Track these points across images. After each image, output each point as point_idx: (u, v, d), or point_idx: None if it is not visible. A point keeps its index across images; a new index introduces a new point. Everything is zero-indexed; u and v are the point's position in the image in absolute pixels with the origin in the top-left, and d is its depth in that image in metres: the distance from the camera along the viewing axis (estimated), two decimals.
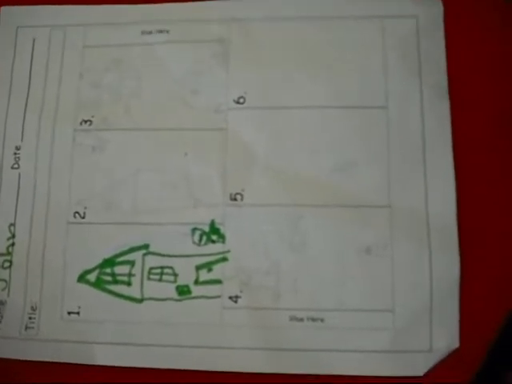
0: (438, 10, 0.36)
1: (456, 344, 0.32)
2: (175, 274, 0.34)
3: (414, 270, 0.33)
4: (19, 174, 0.36)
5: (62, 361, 0.34)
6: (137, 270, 0.34)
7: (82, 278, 0.34)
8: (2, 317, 0.34)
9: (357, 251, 0.33)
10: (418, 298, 0.33)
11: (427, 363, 0.32)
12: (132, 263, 0.34)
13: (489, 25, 0.36)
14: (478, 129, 0.35)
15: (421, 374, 0.32)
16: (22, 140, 0.36)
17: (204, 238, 0.34)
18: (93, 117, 0.36)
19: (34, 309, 0.34)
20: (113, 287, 0.34)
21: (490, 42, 0.36)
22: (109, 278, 0.34)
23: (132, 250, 0.34)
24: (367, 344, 0.32)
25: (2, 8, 0.38)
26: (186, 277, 0.34)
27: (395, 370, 0.32)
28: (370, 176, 0.34)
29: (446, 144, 0.34)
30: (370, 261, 0.33)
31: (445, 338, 0.32)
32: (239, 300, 0.33)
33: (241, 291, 0.33)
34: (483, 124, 0.35)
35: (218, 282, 0.34)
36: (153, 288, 0.34)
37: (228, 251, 0.34)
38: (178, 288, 0.34)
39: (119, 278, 0.34)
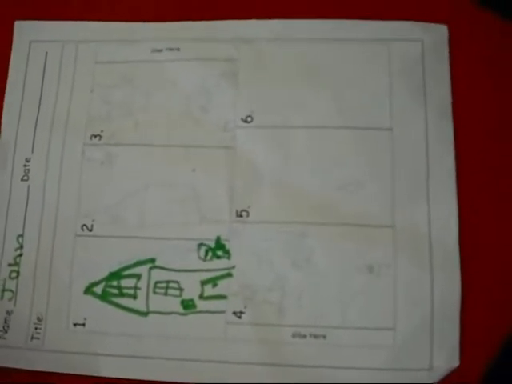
0: (443, 34, 0.37)
1: (456, 363, 0.32)
2: (180, 289, 0.34)
3: (415, 289, 0.33)
4: (28, 186, 0.37)
5: (66, 371, 0.34)
6: (143, 283, 0.35)
7: (88, 290, 0.35)
8: (8, 326, 0.35)
9: (360, 270, 0.34)
10: (418, 316, 0.33)
11: (427, 382, 0.32)
12: (138, 277, 0.35)
13: (493, 48, 0.37)
14: (480, 150, 0.35)
15: None
16: (32, 152, 0.37)
17: (209, 253, 0.35)
18: (102, 131, 0.37)
19: (40, 319, 0.35)
20: (119, 300, 0.35)
21: (493, 65, 0.36)
22: (115, 291, 0.35)
23: (138, 263, 0.35)
24: (368, 361, 0.33)
25: (16, 22, 0.39)
26: (191, 291, 0.34)
27: None
28: (374, 196, 0.35)
29: (449, 166, 0.35)
30: (372, 279, 0.34)
31: (445, 356, 0.33)
32: (243, 315, 0.34)
33: (245, 307, 0.34)
34: (486, 145, 0.35)
35: (223, 297, 0.34)
36: (158, 302, 0.34)
37: (233, 267, 0.34)
38: (183, 302, 0.34)
39: (125, 290, 0.35)
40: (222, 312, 0.34)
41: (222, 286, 0.34)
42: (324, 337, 0.33)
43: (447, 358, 0.33)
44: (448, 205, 0.34)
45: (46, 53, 0.38)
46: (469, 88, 0.36)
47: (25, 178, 0.37)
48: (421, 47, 0.36)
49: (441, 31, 0.37)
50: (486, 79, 0.36)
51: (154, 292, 0.35)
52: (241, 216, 0.35)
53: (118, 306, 0.35)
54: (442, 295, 0.33)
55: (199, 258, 0.35)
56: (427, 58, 0.36)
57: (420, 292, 0.33)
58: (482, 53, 0.37)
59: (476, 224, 0.34)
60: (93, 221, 0.36)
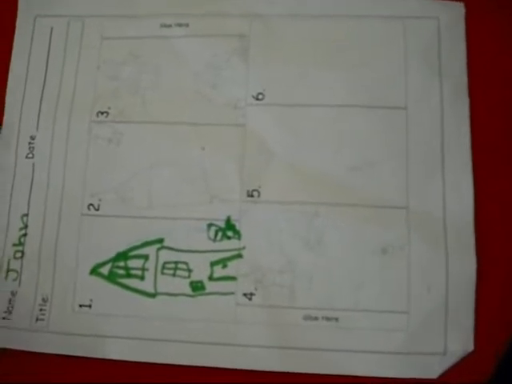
0: (460, 12, 0.36)
1: (471, 347, 0.32)
2: (189, 270, 0.34)
3: (429, 271, 0.33)
4: (33, 164, 0.36)
5: (72, 354, 0.33)
6: (150, 264, 0.34)
7: (94, 271, 0.34)
8: (12, 307, 0.34)
9: (373, 251, 0.33)
10: (433, 300, 0.32)
11: (441, 366, 0.32)
12: (146, 257, 0.34)
13: (510, 25, 0.36)
14: (497, 130, 0.35)
15: (435, 376, 0.32)
16: (37, 130, 0.36)
17: (219, 234, 0.34)
18: (109, 109, 0.36)
19: (45, 300, 0.34)
20: (126, 281, 0.34)
21: (510, 43, 0.36)
22: (122, 272, 0.34)
23: (146, 244, 0.34)
24: (381, 345, 0.32)
25: None
26: (200, 273, 0.34)
27: (409, 372, 0.32)
28: (388, 176, 0.34)
29: (464, 145, 0.34)
30: (385, 261, 0.33)
31: (459, 340, 0.32)
32: (253, 297, 0.33)
33: (255, 288, 0.33)
34: (502, 125, 0.35)
35: (233, 278, 0.33)
36: (166, 283, 0.34)
37: (243, 248, 0.34)
38: (191, 284, 0.34)
39: (132, 271, 0.34)
40: (232, 294, 0.33)
41: (232, 268, 0.33)
42: (336, 319, 0.33)
43: (462, 342, 0.32)
44: (463, 185, 0.34)
45: (52, 28, 0.37)
46: (485, 66, 0.35)
47: (29, 155, 0.36)
48: (437, 25, 0.36)
49: (458, 9, 0.36)
50: (503, 57, 0.35)
51: (162, 273, 0.34)
52: (252, 196, 0.34)
53: (124, 287, 0.34)
54: (457, 278, 0.33)
55: (209, 238, 0.34)
56: (443, 36, 0.35)
57: (434, 275, 0.33)
58: (499, 31, 0.36)
59: (492, 204, 0.34)
60: (99, 200, 0.35)
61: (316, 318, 0.33)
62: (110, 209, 0.35)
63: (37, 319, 0.34)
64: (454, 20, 0.36)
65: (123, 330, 0.33)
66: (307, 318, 0.33)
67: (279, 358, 0.32)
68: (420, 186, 0.34)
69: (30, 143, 0.36)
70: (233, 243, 0.34)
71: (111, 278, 0.34)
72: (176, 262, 0.34)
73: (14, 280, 0.34)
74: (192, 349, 0.33)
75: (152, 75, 0.36)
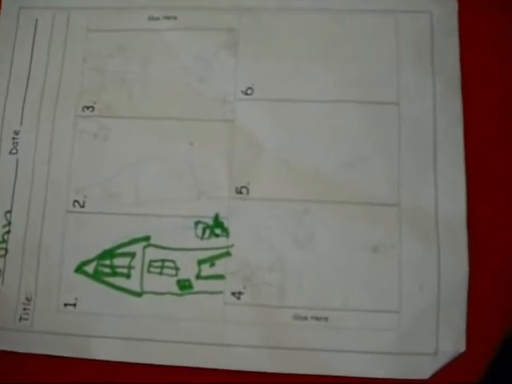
0: (453, 6, 0.35)
1: (462, 348, 0.31)
2: (176, 268, 0.33)
3: (421, 270, 0.32)
4: (17, 160, 0.35)
5: (56, 354, 0.33)
6: (137, 262, 0.33)
7: (79, 269, 0.33)
8: None
9: (363, 249, 0.33)
10: (424, 299, 0.32)
11: (433, 366, 0.31)
12: (132, 255, 0.33)
13: (503, 20, 0.35)
14: (489, 125, 0.34)
15: (426, 376, 0.31)
16: (21, 124, 0.35)
17: (207, 231, 0.33)
18: (95, 103, 0.35)
19: (28, 299, 0.33)
20: (111, 279, 0.33)
21: (503, 38, 0.35)
22: (107, 270, 0.33)
23: (132, 241, 0.33)
24: (372, 345, 0.32)
25: None
26: (188, 271, 0.33)
27: (400, 373, 0.31)
28: (380, 173, 0.33)
29: (457, 142, 0.33)
30: (376, 260, 0.32)
31: (451, 341, 0.31)
32: (242, 296, 0.32)
33: (244, 287, 0.33)
34: (495, 121, 0.34)
35: (221, 277, 0.33)
36: (153, 281, 0.33)
37: (232, 246, 0.33)
38: (179, 282, 0.33)
39: (118, 270, 0.33)
40: (220, 292, 0.33)
41: (220, 266, 0.33)
42: (326, 319, 0.32)
43: (453, 342, 0.31)
44: (456, 182, 0.33)
45: (36, 20, 0.36)
46: (478, 62, 0.35)
47: (13, 151, 0.35)
48: (429, 19, 0.35)
49: (450, 3, 0.35)
50: (496, 52, 0.35)
51: (149, 271, 0.33)
52: (240, 193, 0.33)
53: (110, 285, 0.33)
54: (449, 277, 0.32)
55: (196, 236, 0.33)
56: (436, 31, 0.35)
57: (426, 274, 0.32)
58: (492, 25, 0.35)
59: (484, 202, 0.33)
60: (85, 197, 0.34)
61: (305, 318, 0.32)
62: (95, 205, 0.34)
63: (20, 318, 0.33)
64: (446, 14, 0.35)
65: (109, 329, 0.33)
66: (296, 317, 0.32)
67: (268, 358, 0.32)
68: (412, 182, 0.33)
69: (13, 138, 0.35)
70: (221, 241, 0.33)
71: (96, 276, 0.33)
72: (163, 260, 0.33)
73: None
74: (180, 349, 0.32)
75: (139, 68, 0.35)
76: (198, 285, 0.33)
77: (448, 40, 0.35)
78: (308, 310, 0.32)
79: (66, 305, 0.33)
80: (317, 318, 0.32)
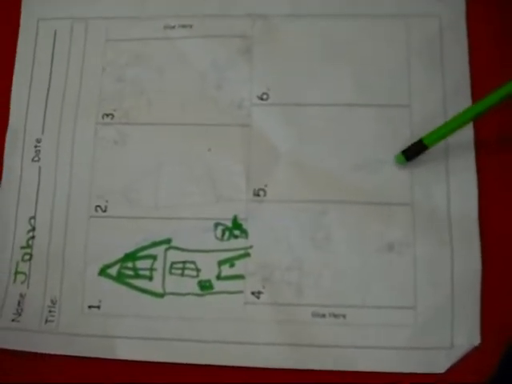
0: (461, 10, 0.36)
1: (477, 341, 0.32)
2: (197, 269, 0.34)
3: (435, 267, 0.33)
4: (39, 167, 0.36)
5: (81, 355, 0.34)
6: (158, 264, 0.34)
7: (103, 272, 0.34)
8: (21, 309, 0.34)
9: (379, 248, 0.33)
10: (439, 295, 0.33)
11: (449, 360, 0.32)
12: (154, 258, 0.34)
13: (510, 22, 0.36)
14: (499, 125, 0.35)
15: (442, 370, 0.32)
16: (42, 133, 0.36)
17: (226, 233, 0.34)
18: (114, 110, 0.36)
19: (53, 302, 0.34)
20: (134, 281, 0.34)
21: (511, 40, 0.36)
22: (130, 273, 0.34)
23: (154, 244, 0.34)
24: (389, 341, 0.32)
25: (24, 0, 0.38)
26: (208, 272, 0.34)
27: (416, 367, 0.32)
28: (393, 174, 0.34)
29: (468, 142, 0.34)
30: (392, 258, 0.33)
31: (466, 334, 0.32)
32: (261, 295, 0.33)
33: (263, 287, 0.33)
34: (505, 120, 0.35)
35: (241, 277, 0.34)
36: (174, 283, 0.34)
37: (250, 247, 0.34)
38: (199, 283, 0.34)
39: (141, 272, 0.34)
40: (240, 292, 0.33)
41: (240, 266, 0.34)
42: (344, 316, 0.33)
43: (468, 336, 0.32)
44: (467, 182, 0.34)
45: (55, 31, 0.37)
46: (487, 63, 0.36)
47: (36, 158, 0.36)
48: (439, 23, 0.36)
49: (458, 6, 0.36)
50: (505, 54, 0.36)
51: (171, 273, 0.34)
52: (258, 195, 0.34)
53: (133, 287, 0.34)
54: (463, 272, 0.33)
55: (216, 237, 0.34)
56: (445, 34, 0.36)
57: (440, 270, 0.33)
58: (500, 27, 0.36)
59: (496, 200, 0.34)
60: (106, 201, 0.35)
61: (324, 315, 0.33)
62: (117, 210, 0.35)
63: (46, 321, 0.34)
64: (455, 18, 0.36)
65: (132, 330, 0.34)
66: (315, 315, 0.33)
67: (288, 355, 0.33)
68: (424, 182, 0.34)
69: (35, 146, 0.36)
70: (240, 242, 0.34)
71: (120, 278, 0.34)
72: (184, 262, 0.34)
73: (23, 282, 0.35)
74: (201, 348, 0.33)
75: (156, 76, 0.36)
76: (218, 285, 0.34)
77: (457, 43, 0.36)
78: (326, 308, 0.33)
79: (90, 307, 0.34)
80: (335, 315, 0.33)
